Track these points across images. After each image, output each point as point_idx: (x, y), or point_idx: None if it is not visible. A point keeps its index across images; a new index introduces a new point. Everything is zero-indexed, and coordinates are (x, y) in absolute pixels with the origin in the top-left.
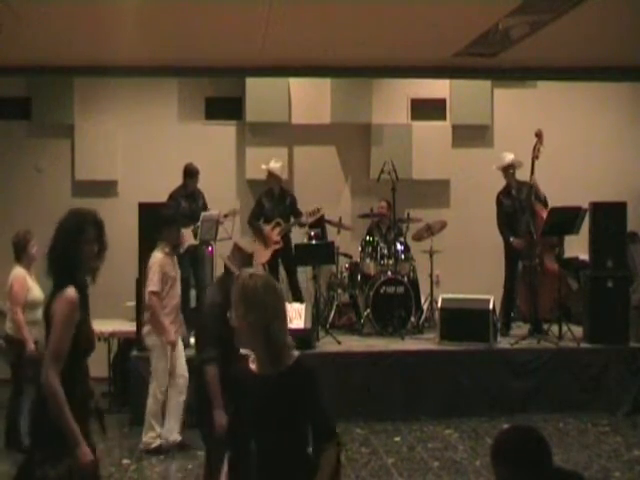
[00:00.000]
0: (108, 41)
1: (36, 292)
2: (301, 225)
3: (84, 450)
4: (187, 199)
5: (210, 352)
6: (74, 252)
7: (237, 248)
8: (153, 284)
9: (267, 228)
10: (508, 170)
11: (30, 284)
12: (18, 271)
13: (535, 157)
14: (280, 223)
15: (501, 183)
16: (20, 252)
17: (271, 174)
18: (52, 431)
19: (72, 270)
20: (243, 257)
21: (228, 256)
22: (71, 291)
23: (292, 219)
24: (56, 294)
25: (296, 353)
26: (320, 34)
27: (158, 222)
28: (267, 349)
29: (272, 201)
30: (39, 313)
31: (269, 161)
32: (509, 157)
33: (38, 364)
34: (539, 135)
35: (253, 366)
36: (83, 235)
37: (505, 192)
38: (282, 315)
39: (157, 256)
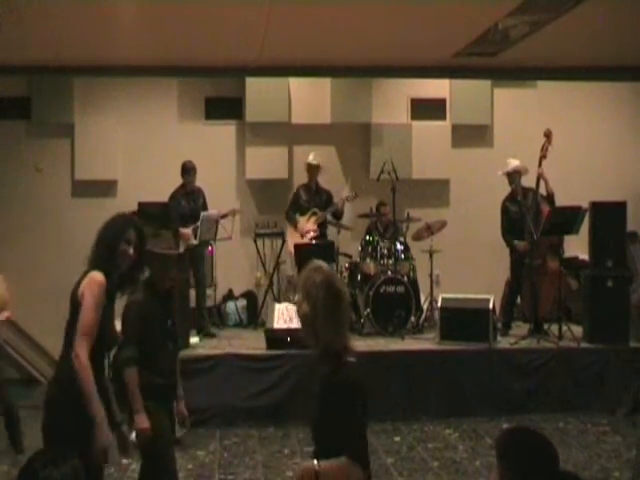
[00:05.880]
0: (108, 41)
1: None
2: (337, 215)
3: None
4: (187, 198)
5: (129, 352)
6: (112, 247)
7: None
8: None
9: (302, 220)
10: (513, 176)
11: None
12: None
13: (543, 156)
14: (316, 212)
15: (501, 184)
16: None
17: (310, 167)
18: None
19: (106, 263)
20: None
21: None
22: (98, 274)
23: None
24: (83, 277)
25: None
26: (320, 34)
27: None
28: (315, 344)
29: (309, 194)
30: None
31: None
32: (515, 163)
33: None
34: (548, 135)
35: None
36: (124, 234)
37: (511, 198)
38: (335, 315)
39: None
